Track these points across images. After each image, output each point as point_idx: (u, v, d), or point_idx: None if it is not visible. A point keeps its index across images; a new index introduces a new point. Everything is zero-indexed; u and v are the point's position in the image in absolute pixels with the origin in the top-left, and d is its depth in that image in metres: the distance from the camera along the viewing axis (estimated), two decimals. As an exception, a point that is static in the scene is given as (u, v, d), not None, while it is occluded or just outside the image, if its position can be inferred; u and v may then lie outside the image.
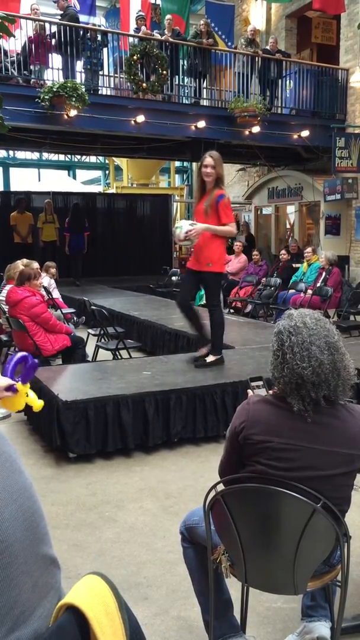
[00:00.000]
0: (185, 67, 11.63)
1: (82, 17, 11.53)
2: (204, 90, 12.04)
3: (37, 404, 2.05)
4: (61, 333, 5.93)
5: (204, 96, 12.01)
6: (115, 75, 11.20)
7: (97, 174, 22.04)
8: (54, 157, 19.12)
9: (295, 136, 11.91)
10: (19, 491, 0.90)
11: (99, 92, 10.77)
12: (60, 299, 8.15)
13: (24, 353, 2.02)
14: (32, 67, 9.99)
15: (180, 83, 11.81)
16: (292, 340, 1.85)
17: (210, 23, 12.27)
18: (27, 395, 1.99)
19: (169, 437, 4.49)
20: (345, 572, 1.87)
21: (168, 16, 11.79)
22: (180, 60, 11.48)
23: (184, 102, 11.74)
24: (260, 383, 2.21)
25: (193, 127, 11.10)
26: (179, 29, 11.71)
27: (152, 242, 15.50)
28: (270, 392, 2.08)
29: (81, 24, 10.53)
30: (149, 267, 14.73)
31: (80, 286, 12.20)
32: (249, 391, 2.17)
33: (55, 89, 9.25)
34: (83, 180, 21.68)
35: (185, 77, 11.91)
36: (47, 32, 10.07)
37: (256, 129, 11.26)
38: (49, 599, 0.92)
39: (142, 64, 10.44)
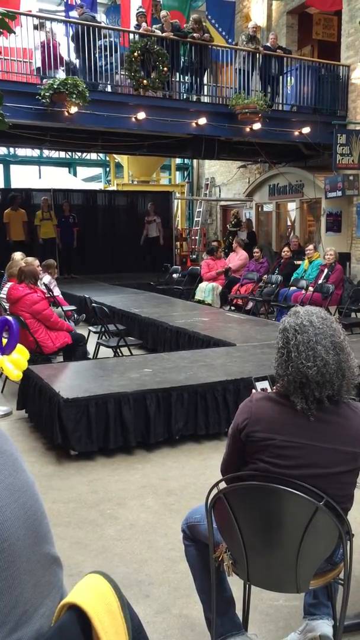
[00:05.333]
0: (184, 64, 11.57)
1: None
2: (205, 87, 12.01)
3: (13, 374, 2.02)
4: (62, 330, 5.93)
5: (205, 93, 11.98)
6: (116, 72, 11.15)
7: (98, 171, 21.98)
8: (54, 154, 19.08)
9: (296, 133, 11.88)
10: (20, 490, 0.89)
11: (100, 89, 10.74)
12: (61, 297, 8.15)
13: (6, 318, 2.00)
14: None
15: (181, 80, 11.77)
16: (297, 338, 1.84)
17: (207, 16, 12.22)
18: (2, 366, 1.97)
19: (171, 435, 4.48)
20: (347, 570, 1.87)
21: (163, 12, 11.74)
22: (182, 57, 11.44)
23: (184, 98, 11.71)
24: (265, 383, 2.21)
25: (194, 124, 11.08)
26: (178, 22, 11.65)
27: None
28: (274, 389, 2.07)
29: (80, 21, 10.48)
30: (149, 264, 14.71)
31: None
32: (254, 391, 2.16)
33: (55, 86, 9.22)
34: (84, 178, 21.61)
35: (192, 76, 11.85)
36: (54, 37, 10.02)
37: (257, 126, 11.25)
38: (51, 598, 0.92)
39: (142, 61, 10.41)
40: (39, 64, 9.92)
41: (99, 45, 10.22)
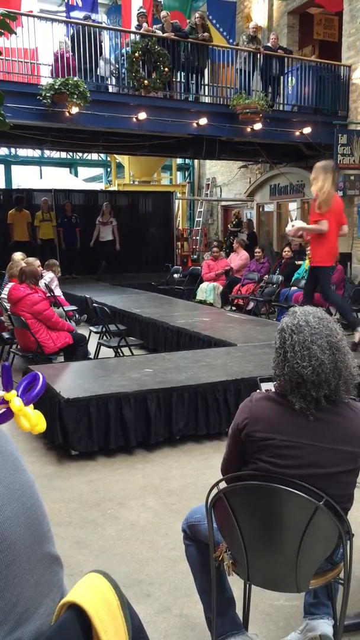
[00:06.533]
0: (183, 62, 11.55)
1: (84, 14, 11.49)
2: (206, 87, 12.01)
3: (26, 426, 1.91)
4: (63, 330, 5.94)
5: (206, 93, 11.98)
6: (115, 73, 11.14)
7: (99, 171, 21.98)
8: (55, 154, 19.07)
9: (297, 133, 11.88)
10: (21, 489, 0.89)
11: (101, 90, 10.74)
12: (62, 297, 8.15)
13: (36, 373, 1.94)
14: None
15: (182, 80, 11.78)
16: (293, 338, 1.84)
17: (208, 16, 12.19)
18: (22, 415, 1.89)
19: (171, 435, 4.48)
20: (347, 570, 1.87)
21: (164, 13, 11.75)
22: (182, 54, 11.41)
23: (185, 98, 11.71)
24: (270, 384, 2.21)
25: (195, 124, 11.08)
26: (179, 22, 11.65)
27: (153, 240, 15.48)
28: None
29: (82, 21, 10.49)
30: (150, 264, 14.71)
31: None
32: (259, 392, 2.16)
33: (56, 86, 9.22)
34: (85, 178, 21.59)
35: (187, 74, 11.86)
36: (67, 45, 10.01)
37: (258, 126, 11.25)
38: (52, 597, 0.92)
39: (143, 61, 10.42)
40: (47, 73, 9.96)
41: (116, 55, 10.27)
